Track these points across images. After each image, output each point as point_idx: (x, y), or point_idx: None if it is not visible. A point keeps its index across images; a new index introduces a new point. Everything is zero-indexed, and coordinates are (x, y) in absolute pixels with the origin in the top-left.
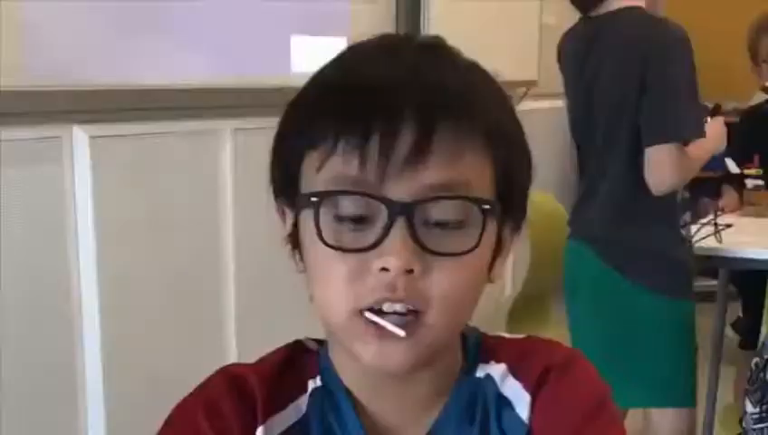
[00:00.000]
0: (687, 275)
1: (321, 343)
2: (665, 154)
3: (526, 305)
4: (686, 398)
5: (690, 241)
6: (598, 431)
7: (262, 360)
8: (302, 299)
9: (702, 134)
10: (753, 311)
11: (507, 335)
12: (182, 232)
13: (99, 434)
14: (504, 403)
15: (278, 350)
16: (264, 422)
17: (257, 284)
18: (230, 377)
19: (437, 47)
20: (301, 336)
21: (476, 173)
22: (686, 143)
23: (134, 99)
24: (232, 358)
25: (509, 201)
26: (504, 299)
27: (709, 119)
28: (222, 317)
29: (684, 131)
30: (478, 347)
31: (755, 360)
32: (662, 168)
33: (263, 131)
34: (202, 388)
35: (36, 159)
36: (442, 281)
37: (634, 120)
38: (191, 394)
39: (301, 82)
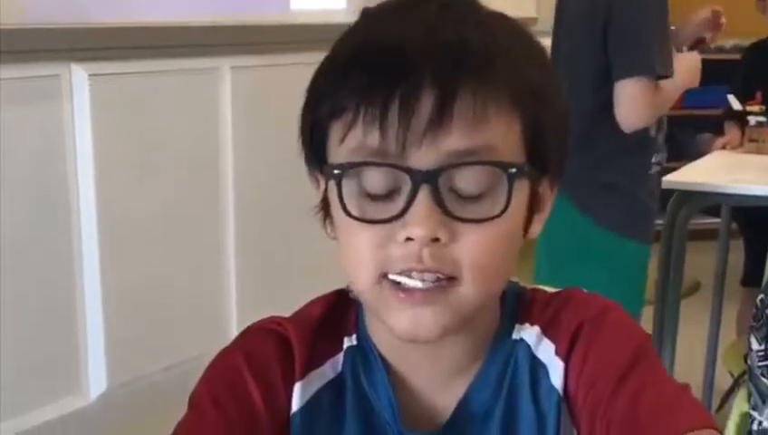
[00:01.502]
0: (647, 216)
1: None
2: (636, 88)
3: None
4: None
5: (657, 181)
6: (640, 379)
7: (301, 312)
8: (302, 235)
9: (671, 74)
10: (755, 248)
11: (545, 288)
12: (181, 168)
13: (99, 366)
14: (538, 369)
15: (319, 300)
16: (302, 378)
17: (257, 220)
18: (270, 328)
19: (458, 3)
20: (299, 271)
21: (502, 135)
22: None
23: (133, 37)
24: (232, 293)
25: (542, 158)
26: None
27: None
28: (221, 252)
29: (656, 66)
30: (515, 304)
31: (761, 296)
32: (633, 102)
33: (261, 69)
34: (243, 342)
35: (35, 97)
36: (471, 247)
37: (601, 57)
38: (232, 348)
39: (299, 20)
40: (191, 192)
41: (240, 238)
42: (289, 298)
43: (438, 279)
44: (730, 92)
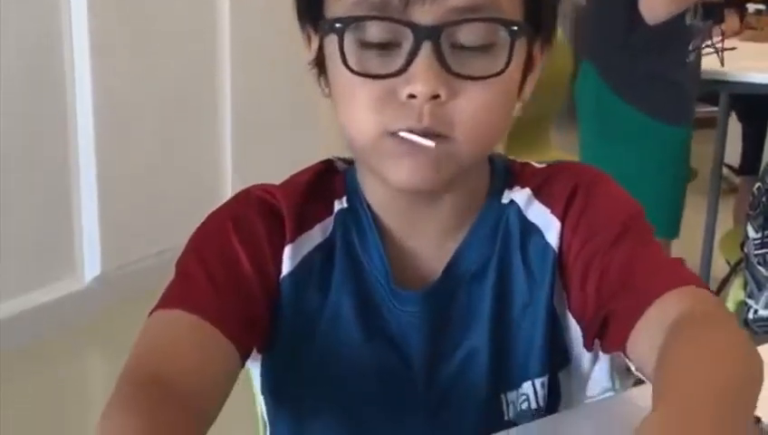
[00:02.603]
0: (683, 99)
1: (349, 163)
2: None
3: (526, 130)
4: (669, 228)
5: (696, 66)
6: (636, 241)
7: (288, 180)
8: (300, 111)
9: None
10: (752, 137)
11: (535, 163)
12: (178, 49)
13: (93, 250)
14: (530, 230)
15: (306, 169)
16: (291, 241)
17: (254, 95)
18: (257, 196)
19: None
20: (297, 148)
21: None
22: None
23: None
24: (228, 177)
25: (538, 18)
26: None
27: None
28: (218, 135)
29: None
30: (505, 172)
31: (758, 185)
32: None
33: None
34: (229, 206)
35: None
36: (470, 105)
37: None
38: (218, 214)
39: None
40: (188, 72)
41: (237, 120)
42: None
43: (437, 134)
44: None
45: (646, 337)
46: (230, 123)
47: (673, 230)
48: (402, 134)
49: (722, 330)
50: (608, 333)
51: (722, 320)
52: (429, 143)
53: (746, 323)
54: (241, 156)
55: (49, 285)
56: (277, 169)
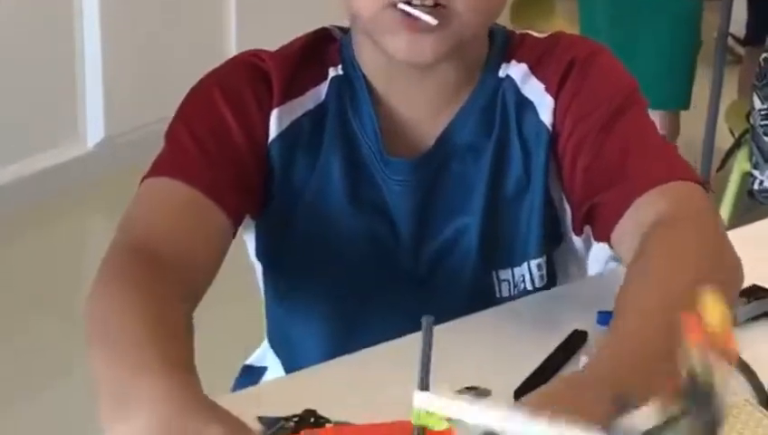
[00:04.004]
0: None
1: (345, 31)
2: None
3: None
4: (680, 99)
5: None
6: (628, 124)
7: (283, 46)
8: None
9: None
10: (758, 6)
11: (534, 33)
12: None
13: (96, 115)
14: (525, 106)
15: (300, 37)
16: (279, 105)
17: None
18: (246, 60)
19: None
20: (301, 16)
21: None
22: None
23: None
24: (232, 43)
25: None
26: None
27: None
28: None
29: None
30: (504, 44)
31: (764, 55)
32: None
33: None
34: (217, 72)
35: None
36: None
37: None
38: (206, 80)
39: None
40: None
41: None
42: None
43: (437, 3)
44: None
45: (626, 236)
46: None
47: (684, 100)
48: (401, 6)
49: (693, 239)
50: (594, 224)
51: (697, 225)
52: (431, 20)
53: (751, 193)
54: (245, 23)
55: (51, 150)
56: (281, 37)
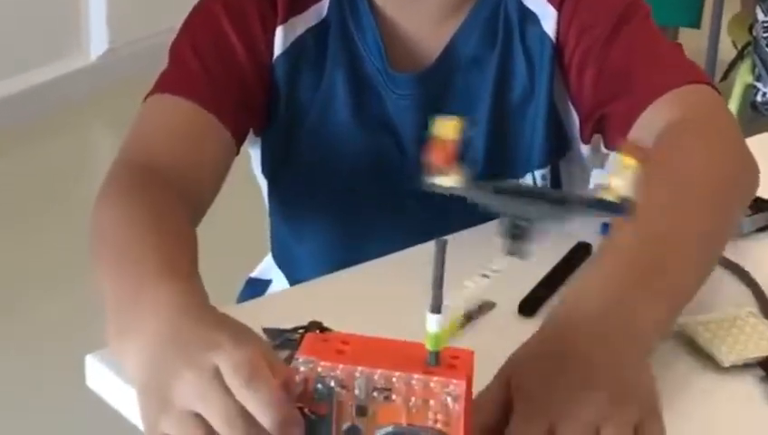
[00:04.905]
0: None
1: None
2: None
3: None
4: (691, 16)
5: None
6: (633, 32)
7: None
8: None
9: None
10: None
11: None
12: None
13: (100, 26)
14: (528, 17)
15: None
16: (284, 22)
17: None
18: None
19: None
20: None
21: None
22: None
23: None
24: None
25: None
26: None
27: None
28: None
29: None
30: None
31: None
32: None
33: None
34: None
35: None
36: None
37: None
38: None
39: None
40: None
41: None
42: None
43: None
44: None
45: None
46: None
47: (695, 17)
48: None
49: (703, 148)
50: (605, 134)
51: (709, 128)
52: None
53: (754, 105)
54: None
55: (54, 62)
56: None
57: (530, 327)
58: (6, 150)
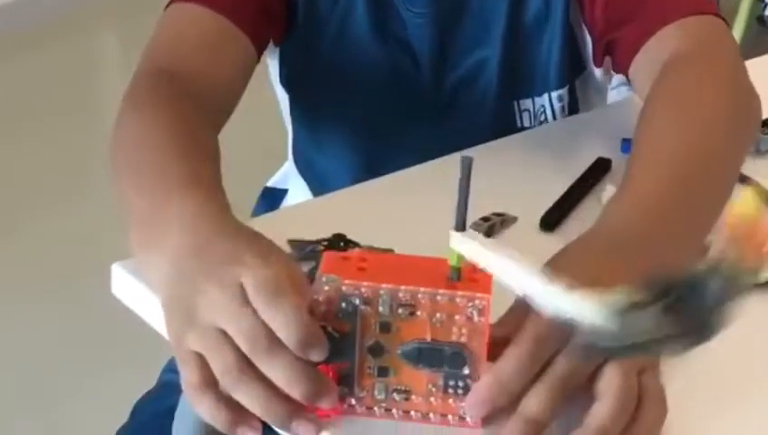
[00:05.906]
0: None
1: None
2: None
3: None
4: None
5: None
6: None
7: None
8: None
9: None
10: None
11: None
12: None
13: None
14: None
15: None
16: None
17: None
18: None
19: None
20: None
21: None
22: None
23: None
24: None
25: None
26: None
27: None
28: None
29: None
30: None
31: None
32: None
33: None
34: None
35: None
36: None
37: None
38: None
39: None
40: None
41: None
42: None
43: None
44: None
45: (641, 72)
46: None
47: None
48: None
49: (708, 78)
50: (613, 58)
51: (713, 63)
52: None
53: (760, 19)
54: None
55: None
56: None
57: (551, 242)
58: (16, 55)
